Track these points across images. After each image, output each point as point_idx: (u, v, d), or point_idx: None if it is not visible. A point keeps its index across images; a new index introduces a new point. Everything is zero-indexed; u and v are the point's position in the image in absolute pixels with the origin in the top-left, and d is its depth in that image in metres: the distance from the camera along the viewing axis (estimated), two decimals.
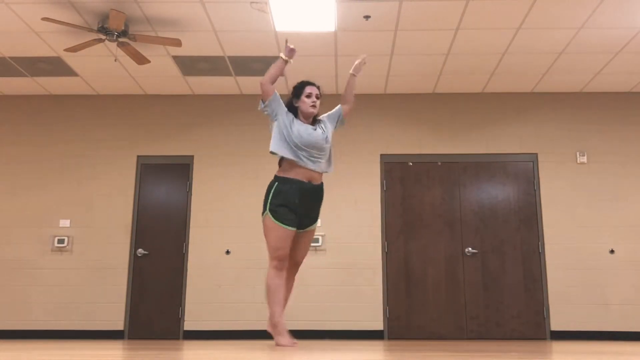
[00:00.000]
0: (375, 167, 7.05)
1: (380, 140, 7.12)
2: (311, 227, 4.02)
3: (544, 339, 6.57)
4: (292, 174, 3.86)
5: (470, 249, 6.81)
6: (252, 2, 5.26)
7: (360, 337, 6.60)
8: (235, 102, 7.28)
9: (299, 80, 4.07)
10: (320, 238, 6.82)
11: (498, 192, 6.96)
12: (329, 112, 4.18)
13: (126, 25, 5.46)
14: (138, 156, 7.16)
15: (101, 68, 6.57)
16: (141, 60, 5.87)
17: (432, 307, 6.72)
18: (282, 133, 3.86)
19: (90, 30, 5.42)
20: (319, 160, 3.94)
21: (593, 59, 6.30)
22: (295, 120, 3.93)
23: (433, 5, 5.27)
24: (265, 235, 3.87)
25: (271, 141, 3.87)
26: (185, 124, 7.22)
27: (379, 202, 6.95)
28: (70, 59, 6.36)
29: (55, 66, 6.52)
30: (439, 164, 7.06)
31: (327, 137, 3.99)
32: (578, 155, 6.98)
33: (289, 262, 3.92)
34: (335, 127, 4.19)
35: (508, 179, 6.99)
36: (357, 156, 7.08)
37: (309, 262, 6.79)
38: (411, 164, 7.07)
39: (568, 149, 7.02)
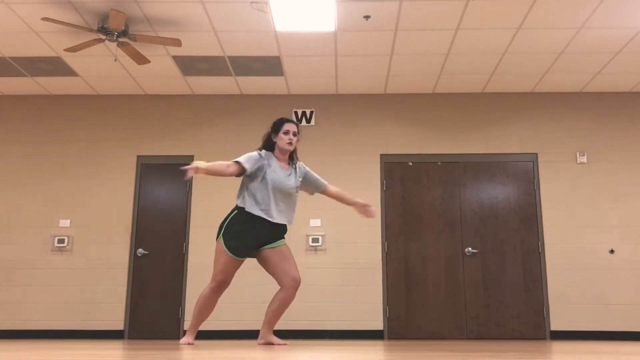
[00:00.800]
0: (375, 167, 7.05)
1: (380, 140, 7.12)
2: (279, 244, 4.04)
3: (544, 339, 6.57)
4: (255, 211, 3.94)
5: (470, 248, 6.81)
6: (252, 2, 5.26)
7: (360, 337, 6.60)
8: (235, 102, 7.28)
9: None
10: (320, 238, 6.83)
11: (498, 192, 6.96)
12: (312, 174, 4.21)
13: (126, 25, 5.47)
14: (138, 156, 7.16)
15: (101, 68, 6.57)
16: (141, 60, 5.87)
17: (432, 307, 6.72)
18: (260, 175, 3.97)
19: (90, 30, 5.42)
20: (284, 210, 4.04)
21: (593, 59, 6.30)
22: (270, 165, 4.00)
23: (433, 5, 5.28)
24: (215, 257, 3.97)
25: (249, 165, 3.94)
26: (185, 124, 7.22)
27: (379, 202, 6.95)
28: (70, 59, 6.36)
29: (55, 66, 6.52)
30: (439, 164, 7.06)
31: (296, 186, 4.07)
32: (578, 155, 6.98)
33: (287, 279, 3.97)
34: (304, 187, 4.22)
35: (508, 179, 6.99)
36: (357, 156, 7.08)
37: (309, 262, 6.79)
38: (411, 164, 7.07)
39: (568, 149, 7.02)
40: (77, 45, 5.59)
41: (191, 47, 6.09)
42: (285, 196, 4.00)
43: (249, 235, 3.91)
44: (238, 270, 6.83)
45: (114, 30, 5.37)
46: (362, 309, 6.72)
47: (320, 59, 6.35)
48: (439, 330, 6.67)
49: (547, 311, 6.65)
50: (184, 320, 6.71)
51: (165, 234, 6.95)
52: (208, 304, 4.02)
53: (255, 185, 3.95)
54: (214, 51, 6.19)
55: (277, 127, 4.07)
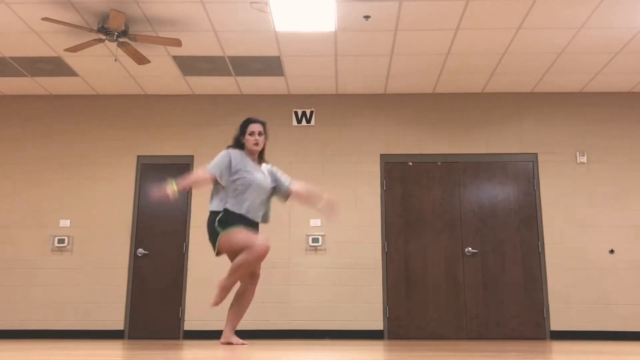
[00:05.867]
0: (375, 167, 7.05)
1: (380, 140, 7.12)
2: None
3: (544, 339, 6.57)
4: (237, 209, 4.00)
5: (470, 248, 6.81)
6: (252, 2, 5.26)
7: (360, 337, 6.60)
8: (235, 102, 7.28)
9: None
10: (320, 238, 6.82)
11: (498, 192, 6.96)
12: (279, 173, 4.27)
13: (126, 25, 5.46)
14: (138, 156, 7.16)
15: (101, 68, 6.57)
16: (141, 60, 5.87)
17: (432, 307, 6.72)
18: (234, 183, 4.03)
19: (91, 30, 5.42)
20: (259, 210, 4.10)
21: (593, 59, 6.30)
22: (245, 165, 4.05)
23: (433, 5, 5.28)
24: (229, 245, 3.95)
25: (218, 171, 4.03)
26: (185, 124, 7.22)
27: (379, 202, 6.95)
28: (70, 59, 6.36)
29: (55, 66, 6.52)
30: (439, 164, 7.06)
31: (265, 178, 4.12)
32: (578, 155, 6.98)
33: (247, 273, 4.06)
34: (276, 187, 4.26)
35: (508, 179, 6.99)
36: (357, 156, 7.07)
37: (309, 262, 6.79)
38: (411, 164, 7.07)
39: (568, 149, 7.02)
40: (77, 45, 5.59)
41: (191, 47, 6.09)
42: (261, 194, 4.06)
43: (236, 220, 3.98)
44: None
45: (114, 30, 5.37)
46: (362, 309, 6.72)
47: (320, 59, 6.35)
48: (439, 330, 6.67)
49: (547, 311, 6.65)
50: (184, 320, 6.71)
51: (165, 234, 6.95)
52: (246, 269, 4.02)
53: (232, 185, 4.02)
54: (214, 51, 6.19)
55: (242, 128, 4.17)
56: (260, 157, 4.22)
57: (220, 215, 3.99)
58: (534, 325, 6.63)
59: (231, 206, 3.98)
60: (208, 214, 4.13)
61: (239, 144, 4.17)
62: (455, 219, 6.90)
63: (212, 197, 4.14)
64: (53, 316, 6.72)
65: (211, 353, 2.85)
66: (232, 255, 4.05)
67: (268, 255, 6.83)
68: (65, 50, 5.73)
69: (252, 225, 4.05)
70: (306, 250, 6.83)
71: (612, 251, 6.73)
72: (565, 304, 6.64)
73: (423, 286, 6.77)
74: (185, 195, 7.03)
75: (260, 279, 6.76)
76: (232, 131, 7.14)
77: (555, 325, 6.60)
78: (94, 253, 6.87)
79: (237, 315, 4.11)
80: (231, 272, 3.94)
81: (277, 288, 6.75)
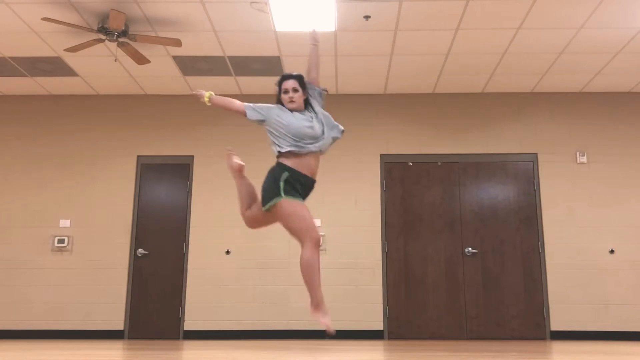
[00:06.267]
0: (375, 167, 7.05)
1: (380, 140, 7.12)
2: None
3: (544, 339, 6.57)
4: (298, 166, 3.73)
5: (470, 249, 6.81)
6: (252, 2, 5.26)
7: (360, 337, 6.59)
8: None
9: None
10: (320, 238, 6.81)
11: (498, 192, 6.96)
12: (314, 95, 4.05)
13: (126, 25, 5.46)
14: (138, 156, 7.15)
15: (101, 68, 6.57)
16: (141, 60, 5.87)
17: (432, 307, 6.72)
18: (277, 129, 3.78)
19: (91, 30, 5.42)
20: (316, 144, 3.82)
21: (593, 59, 6.30)
22: (283, 111, 3.82)
23: (433, 5, 5.27)
24: (290, 219, 3.67)
25: (273, 142, 3.79)
26: (185, 124, 7.22)
27: (379, 202, 6.95)
28: (70, 59, 6.36)
29: (55, 66, 6.52)
30: (439, 164, 7.06)
31: (313, 125, 3.86)
32: (578, 155, 6.98)
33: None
34: (322, 100, 4.07)
35: (508, 179, 6.99)
36: (357, 156, 7.07)
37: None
38: (411, 164, 7.07)
39: (568, 149, 7.02)
40: (77, 45, 5.59)
41: (191, 47, 6.08)
42: (312, 139, 3.78)
43: (296, 187, 3.71)
44: (237, 270, 6.83)
45: (114, 30, 5.37)
46: (362, 309, 6.71)
47: (320, 59, 6.34)
48: (439, 330, 6.67)
49: (547, 311, 6.64)
50: (184, 320, 6.71)
51: (165, 234, 6.95)
52: (318, 265, 3.73)
53: (278, 133, 3.75)
54: (214, 51, 6.19)
55: (278, 87, 3.92)
56: (306, 108, 3.91)
57: (287, 175, 3.67)
58: (534, 325, 6.63)
59: (288, 161, 3.69)
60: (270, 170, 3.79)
61: (279, 100, 3.90)
62: (455, 219, 6.90)
63: (273, 141, 3.81)
64: (53, 316, 6.72)
65: (211, 353, 2.85)
66: (267, 219, 3.79)
67: (267, 256, 6.85)
68: (65, 50, 5.73)
69: (306, 192, 3.78)
70: None
71: (612, 251, 6.72)
72: (565, 304, 6.64)
73: (423, 286, 6.77)
74: (185, 195, 7.03)
75: (259, 279, 6.78)
76: (232, 131, 7.19)
77: (555, 325, 6.59)
78: (94, 253, 6.87)
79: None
80: (310, 285, 3.70)
81: (277, 288, 6.75)
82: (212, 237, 6.89)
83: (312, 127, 3.80)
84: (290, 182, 3.68)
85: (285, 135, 3.76)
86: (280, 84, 3.91)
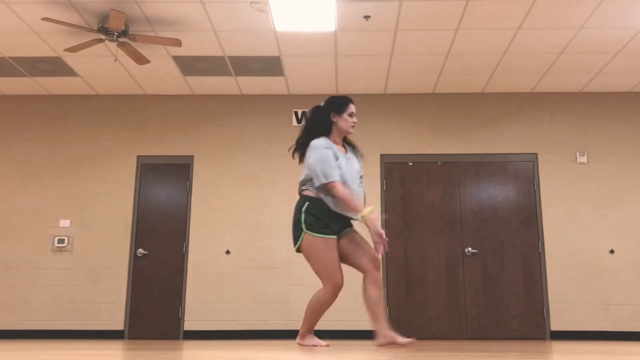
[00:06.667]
0: (375, 167, 7.05)
1: (380, 140, 7.12)
2: (350, 231, 3.69)
3: (544, 339, 6.57)
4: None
5: (470, 249, 6.81)
6: (252, 2, 5.26)
7: (360, 337, 6.59)
8: (235, 102, 7.28)
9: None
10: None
11: (498, 192, 6.96)
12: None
13: (126, 25, 5.46)
14: (138, 156, 7.16)
15: (101, 68, 6.57)
16: (141, 60, 5.87)
17: (432, 307, 6.72)
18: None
19: (90, 30, 5.42)
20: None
21: (593, 59, 6.30)
22: (337, 156, 3.58)
23: (433, 5, 5.27)
24: (313, 259, 3.54)
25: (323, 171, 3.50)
26: (185, 124, 7.22)
27: (379, 202, 6.95)
28: (70, 59, 6.36)
29: (55, 66, 6.52)
30: (439, 164, 7.06)
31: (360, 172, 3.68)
32: (578, 155, 6.98)
33: (365, 262, 3.59)
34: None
35: (508, 179, 6.99)
36: None
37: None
38: (411, 164, 7.07)
39: (568, 149, 7.02)
40: (77, 45, 5.59)
41: (191, 47, 6.09)
42: (352, 183, 3.60)
43: (329, 218, 3.53)
44: (237, 270, 6.83)
45: (114, 30, 5.37)
46: (362, 309, 6.71)
47: (320, 59, 6.35)
48: (439, 330, 6.67)
49: (547, 311, 6.65)
50: (184, 321, 6.71)
51: (165, 234, 6.95)
52: (324, 308, 3.57)
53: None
54: (214, 51, 6.19)
55: (340, 106, 3.65)
56: (344, 142, 3.75)
57: (308, 205, 3.50)
58: (534, 325, 6.63)
59: (325, 199, 3.48)
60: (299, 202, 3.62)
61: (327, 123, 3.64)
62: (455, 219, 6.90)
63: (305, 180, 3.63)
64: (53, 316, 6.72)
65: (211, 353, 2.85)
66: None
67: (267, 256, 6.84)
68: (65, 50, 5.73)
69: (345, 222, 3.62)
70: None
71: (612, 251, 6.73)
72: (565, 304, 6.64)
73: (423, 286, 6.77)
74: (185, 195, 7.03)
75: (259, 279, 6.78)
76: (232, 131, 7.20)
77: (555, 325, 6.60)
78: (94, 253, 6.87)
79: (374, 308, 3.65)
80: (308, 318, 3.58)
81: (277, 288, 6.75)
82: (212, 237, 6.89)
83: (354, 166, 3.65)
84: (312, 214, 3.50)
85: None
86: (347, 104, 3.67)
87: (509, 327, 6.64)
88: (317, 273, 3.53)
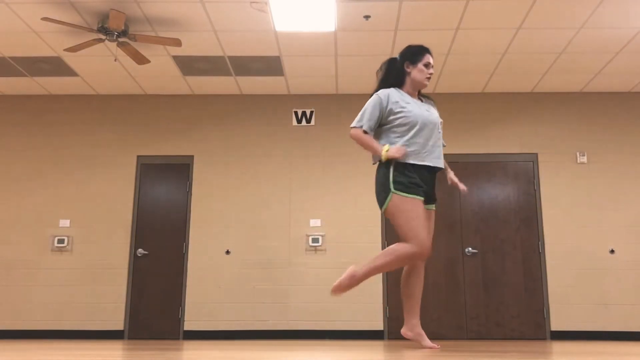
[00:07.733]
0: (376, 166, 7.04)
1: None
2: (430, 207, 3.54)
3: (544, 339, 6.57)
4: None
5: (470, 249, 6.81)
6: (252, 2, 5.26)
7: (360, 337, 6.60)
8: (235, 102, 7.28)
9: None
10: (320, 238, 6.82)
11: (498, 192, 6.96)
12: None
13: (126, 25, 5.46)
14: (138, 156, 7.16)
15: (101, 68, 6.57)
16: (141, 60, 5.87)
17: (432, 307, 6.72)
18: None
19: (90, 30, 5.42)
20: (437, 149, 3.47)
21: (593, 59, 6.30)
22: (407, 102, 3.41)
23: (433, 5, 5.28)
24: (398, 219, 3.35)
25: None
26: (185, 124, 7.22)
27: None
28: (70, 59, 6.36)
29: (55, 66, 6.52)
30: None
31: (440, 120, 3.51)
32: (578, 155, 6.98)
33: None
34: None
35: (508, 179, 6.99)
36: (357, 156, 7.07)
37: (309, 262, 6.79)
38: None
39: (568, 149, 7.02)
40: (77, 45, 5.59)
41: (191, 47, 6.09)
42: (432, 132, 3.43)
43: (418, 181, 3.38)
44: (237, 270, 6.83)
45: (114, 30, 5.37)
46: (362, 309, 6.71)
47: (320, 59, 6.35)
48: (439, 330, 6.67)
49: (547, 311, 6.65)
50: (183, 321, 6.71)
51: (165, 234, 6.95)
52: (401, 262, 3.35)
53: (396, 131, 3.42)
54: (214, 51, 6.19)
55: (416, 56, 3.48)
56: (419, 96, 3.58)
57: (394, 174, 3.36)
58: (534, 325, 6.63)
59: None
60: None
61: (400, 74, 3.49)
62: (455, 219, 6.90)
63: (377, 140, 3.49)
64: (53, 316, 6.72)
65: (211, 353, 2.85)
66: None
67: (267, 256, 6.84)
68: (65, 50, 5.73)
69: (431, 175, 3.45)
70: (306, 250, 6.83)
71: (612, 251, 6.72)
72: (565, 304, 6.64)
73: (423, 286, 6.76)
74: (185, 195, 7.03)
75: (259, 279, 6.78)
76: (232, 131, 7.20)
77: (556, 325, 6.60)
78: (94, 253, 6.87)
79: (413, 299, 3.53)
80: (378, 265, 3.34)
81: (277, 288, 6.75)
82: (212, 237, 6.89)
83: (431, 114, 3.49)
84: (404, 177, 3.35)
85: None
86: (423, 53, 3.50)
87: (509, 327, 6.64)
88: (403, 234, 3.34)
